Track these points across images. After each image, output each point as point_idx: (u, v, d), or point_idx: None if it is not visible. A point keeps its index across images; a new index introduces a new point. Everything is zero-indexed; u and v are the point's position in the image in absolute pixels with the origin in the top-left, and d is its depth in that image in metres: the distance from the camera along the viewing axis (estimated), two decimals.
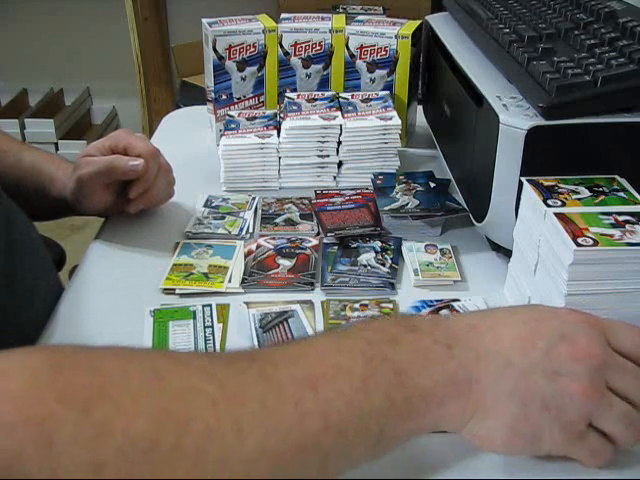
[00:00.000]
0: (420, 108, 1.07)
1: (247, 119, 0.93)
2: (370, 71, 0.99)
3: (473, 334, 0.45)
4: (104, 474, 0.32)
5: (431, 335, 0.44)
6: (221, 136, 0.91)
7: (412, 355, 0.43)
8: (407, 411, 0.42)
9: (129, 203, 0.79)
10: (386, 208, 0.79)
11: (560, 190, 0.63)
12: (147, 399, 0.35)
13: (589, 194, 0.62)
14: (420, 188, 0.84)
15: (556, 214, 0.58)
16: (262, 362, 0.40)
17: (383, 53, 0.97)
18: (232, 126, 0.92)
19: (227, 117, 0.94)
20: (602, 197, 0.62)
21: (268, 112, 0.96)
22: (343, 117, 0.89)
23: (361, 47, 0.98)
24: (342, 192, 0.88)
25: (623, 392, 0.45)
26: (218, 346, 0.62)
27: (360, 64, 0.99)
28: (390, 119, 0.89)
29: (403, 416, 0.42)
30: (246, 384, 0.38)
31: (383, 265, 0.73)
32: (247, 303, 0.68)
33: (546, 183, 0.64)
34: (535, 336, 0.45)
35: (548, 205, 0.60)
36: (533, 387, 0.44)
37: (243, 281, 0.71)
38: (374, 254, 0.75)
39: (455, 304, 0.68)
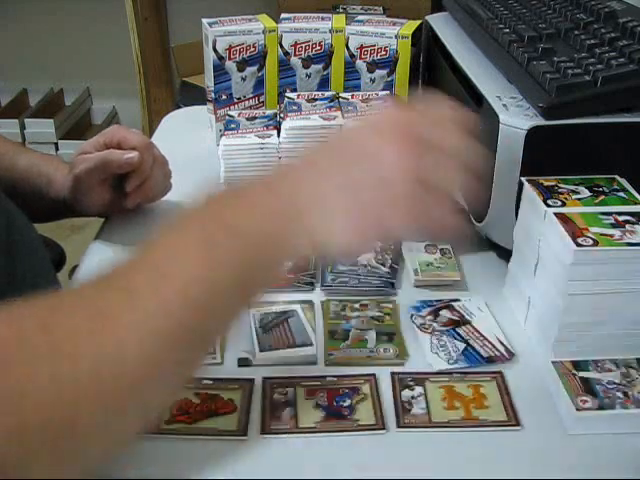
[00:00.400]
0: None
1: (247, 119, 0.93)
2: (370, 71, 0.99)
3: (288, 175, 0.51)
4: None
5: (258, 189, 0.49)
6: (221, 136, 0.91)
7: (239, 209, 0.47)
8: (258, 251, 0.46)
9: (127, 197, 0.79)
10: None
11: (560, 190, 0.63)
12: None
13: (589, 194, 0.62)
14: None
15: (556, 214, 0.59)
16: (111, 280, 0.43)
17: (383, 53, 0.97)
18: (232, 126, 0.91)
19: (227, 117, 0.94)
20: (602, 197, 0.62)
21: (268, 112, 0.96)
22: (343, 117, 0.89)
23: (361, 47, 0.98)
24: None
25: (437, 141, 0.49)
26: (218, 346, 0.63)
27: (360, 64, 0.99)
28: None
29: (258, 257, 0.47)
30: (112, 300, 0.41)
31: (383, 265, 0.73)
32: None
33: (546, 183, 0.64)
34: (342, 148, 0.51)
35: (548, 205, 0.60)
36: (356, 177, 0.48)
37: None
38: (374, 254, 0.75)
39: (455, 304, 0.68)
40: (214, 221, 0.46)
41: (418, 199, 0.48)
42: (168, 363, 0.42)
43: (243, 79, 0.99)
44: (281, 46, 0.99)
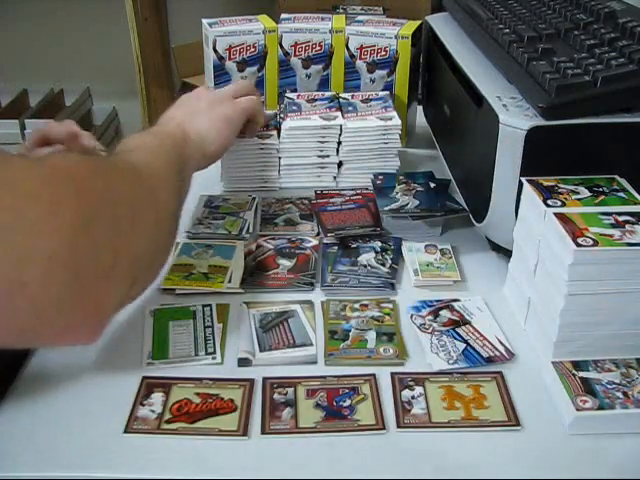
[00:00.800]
0: (420, 108, 1.07)
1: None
2: (370, 71, 0.99)
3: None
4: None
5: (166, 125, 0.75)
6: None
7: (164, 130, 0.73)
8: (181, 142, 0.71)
9: None
10: (386, 208, 0.79)
11: (560, 190, 0.63)
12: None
13: (589, 194, 0.62)
14: (420, 188, 0.84)
15: (556, 214, 0.59)
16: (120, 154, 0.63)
17: (383, 53, 0.97)
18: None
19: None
20: (602, 197, 0.62)
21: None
22: (343, 117, 0.89)
23: (361, 47, 0.98)
24: (342, 192, 0.88)
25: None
26: (218, 346, 0.63)
27: (360, 64, 0.99)
28: (390, 119, 0.89)
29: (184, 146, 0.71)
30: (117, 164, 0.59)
31: (383, 265, 0.73)
32: (247, 303, 0.68)
33: (546, 183, 0.64)
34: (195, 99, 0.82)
35: (548, 205, 0.60)
36: (213, 109, 0.79)
37: (243, 281, 0.71)
38: (374, 254, 0.75)
39: (455, 304, 0.68)
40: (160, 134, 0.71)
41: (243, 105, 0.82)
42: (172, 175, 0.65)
43: (243, 79, 0.99)
44: (281, 46, 0.99)
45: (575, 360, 0.58)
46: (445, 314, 0.67)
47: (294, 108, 0.92)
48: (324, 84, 1.01)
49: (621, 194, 0.62)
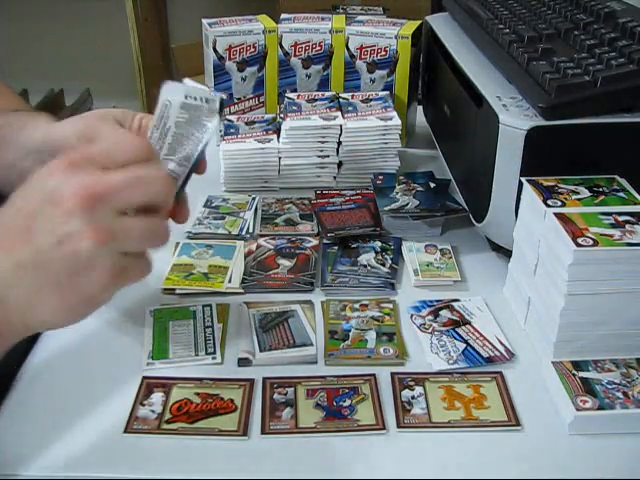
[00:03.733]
0: (420, 108, 1.07)
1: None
2: (370, 71, 0.99)
3: None
4: None
5: None
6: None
7: None
8: None
9: None
10: (386, 208, 0.79)
11: (560, 190, 0.63)
12: None
13: (589, 194, 0.62)
14: (420, 188, 0.84)
15: (556, 214, 0.59)
16: None
17: (383, 53, 0.97)
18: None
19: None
20: (602, 197, 0.62)
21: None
22: (343, 117, 0.89)
23: (361, 47, 0.98)
24: (342, 192, 0.88)
25: (128, 208, 0.46)
26: (218, 346, 0.63)
27: (360, 64, 0.99)
28: (390, 119, 0.89)
29: None
30: None
31: (383, 265, 0.73)
32: (247, 303, 0.68)
33: (546, 183, 0.64)
34: (24, 219, 0.44)
35: (548, 205, 0.60)
36: (53, 267, 0.44)
37: (243, 281, 0.71)
38: (374, 254, 0.75)
39: (455, 304, 0.68)
40: None
41: (112, 263, 0.45)
42: None
43: (243, 79, 0.99)
44: (281, 46, 0.99)
45: (575, 360, 0.58)
46: (445, 314, 0.67)
47: (294, 108, 0.92)
48: (324, 84, 1.01)
49: (621, 194, 0.62)
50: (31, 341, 0.63)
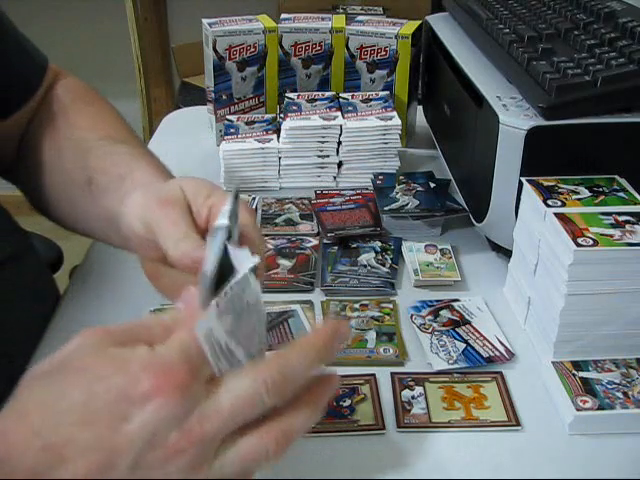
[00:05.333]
0: (420, 108, 1.06)
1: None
2: (370, 71, 0.99)
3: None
4: None
5: None
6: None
7: None
8: None
9: None
10: (386, 208, 0.79)
11: (560, 190, 0.63)
12: None
13: (589, 194, 0.62)
14: (420, 188, 0.84)
15: (556, 214, 0.59)
16: None
17: (383, 53, 0.97)
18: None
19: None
20: (602, 197, 0.62)
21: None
22: (343, 117, 0.89)
23: (361, 47, 0.98)
24: (342, 192, 0.88)
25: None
26: None
27: (360, 64, 0.99)
28: (390, 119, 0.89)
29: None
30: None
31: (383, 265, 0.73)
32: None
33: (546, 183, 0.64)
34: (110, 460, 0.34)
35: (548, 205, 0.60)
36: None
37: None
38: (374, 254, 0.75)
39: (455, 304, 0.68)
40: None
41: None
42: None
43: (243, 79, 0.99)
44: (281, 46, 0.99)
45: (575, 360, 0.58)
46: (445, 314, 0.67)
47: (294, 108, 0.92)
48: (324, 84, 1.01)
49: (621, 194, 0.62)
50: (34, 343, 0.63)
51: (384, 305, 0.68)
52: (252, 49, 0.98)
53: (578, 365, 0.58)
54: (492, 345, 0.62)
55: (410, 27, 0.98)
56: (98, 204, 0.60)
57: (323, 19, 1.02)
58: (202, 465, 0.36)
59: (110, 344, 0.37)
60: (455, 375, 0.59)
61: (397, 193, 0.83)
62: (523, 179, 0.64)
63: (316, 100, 0.94)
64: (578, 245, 0.54)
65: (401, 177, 0.87)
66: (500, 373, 0.59)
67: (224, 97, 0.99)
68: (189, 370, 0.36)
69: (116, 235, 0.56)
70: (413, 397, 0.57)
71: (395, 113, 0.90)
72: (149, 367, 0.35)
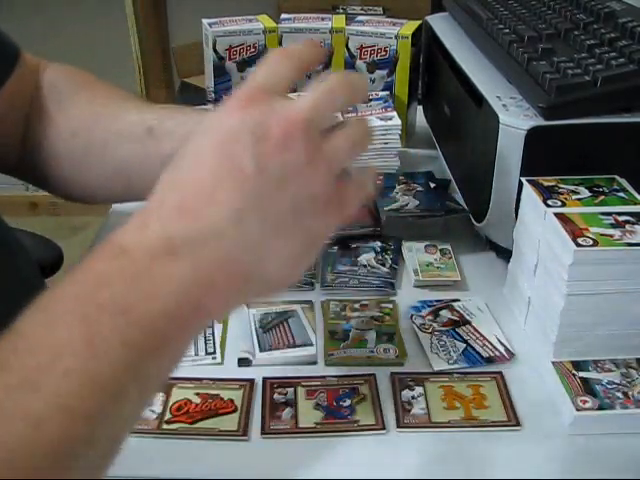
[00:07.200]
0: (420, 108, 1.06)
1: None
2: (370, 71, 0.99)
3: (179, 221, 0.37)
4: None
5: (143, 248, 0.37)
6: None
7: (128, 284, 0.35)
8: (160, 341, 0.35)
9: None
10: (386, 208, 0.79)
11: (560, 190, 0.63)
12: None
13: (589, 194, 0.62)
14: (420, 188, 0.84)
15: (556, 214, 0.59)
16: None
17: (383, 53, 0.97)
18: None
19: None
20: (602, 197, 0.62)
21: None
22: (343, 117, 0.89)
23: (361, 47, 0.98)
24: None
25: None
26: (218, 346, 0.63)
27: (360, 64, 0.99)
28: (390, 119, 0.89)
29: (158, 347, 0.35)
30: None
31: (383, 265, 0.73)
32: (247, 303, 0.68)
33: (546, 183, 0.64)
34: (224, 166, 0.38)
35: (548, 205, 0.60)
36: (276, 209, 0.38)
37: None
38: (374, 254, 0.75)
39: (455, 304, 0.68)
40: (103, 313, 0.35)
41: (333, 192, 0.41)
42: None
43: (243, 79, 0.99)
44: (281, 46, 0.99)
45: (575, 360, 0.58)
46: (445, 314, 0.67)
47: None
48: None
49: (621, 194, 0.62)
50: None
51: (384, 305, 0.68)
52: (252, 49, 0.98)
53: (578, 365, 0.58)
54: (492, 345, 0.62)
55: (410, 27, 0.98)
56: (165, 146, 0.62)
57: (323, 19, 1.02)
58: (316, 147, 0.39)
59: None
60: (455, 375, 0.59)
61: (397, 193, 0.83)
62: (523, 179, 0.64)
63: None
64: (578, 245, 0.54)
65: (401, 177, 0.87)
66: (500, 373, 0.59)
67: (224, 97, 0.99)
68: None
69: None
70: (413, 397, 0.57)
71: (395, 113, 0.90)
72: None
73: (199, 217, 0.37)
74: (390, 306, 0.68)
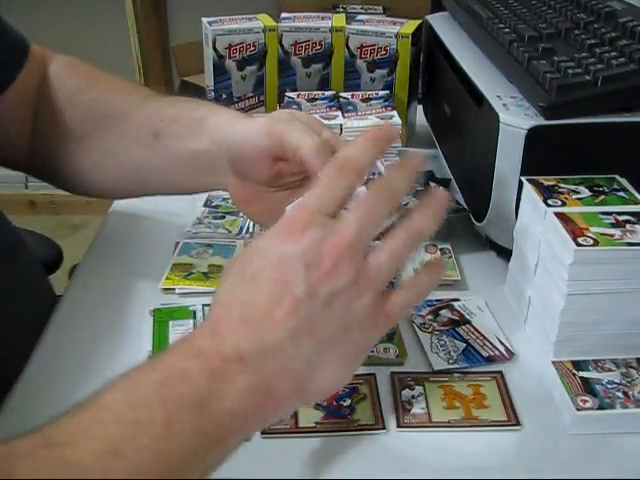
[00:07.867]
0: (420, 108, 1.06)
1: None
2: (370, 71, 0.99)
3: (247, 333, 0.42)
4: None
5: (218, 354, 0.41)
6: None
7: (206, 383, 0.40)
8: (223, 434, 0.41)
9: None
10: None
11: (560, 190, 0.63)
12: None
13: (589, 194, 0.62)
14: (420, 188, 0.83)
15: (556, 214, 0.58)
16: (59, 447, 0.38)
17: (383, 53, 0.97)
18: None
19: None
20: (602, 197, 0.62)
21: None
22: (343, 117, 0.89)
23: (361, 46, 0.98)
24: None
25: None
26: None
27: (360, 64, 0.99)
28: (390, 119, 0.89)
29: (221, 439, 0.41)
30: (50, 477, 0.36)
31: None
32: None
33: (546, 183, 0.64)
34: (278, 291, 0.42)
35: (548, 205, 0.60)
36: (328, 329, 0.43)
37: None
38: None
39: (455, 304, 0.68)
40: (182, 402, 0.40)
41: (379, 307, 0.45)
42: None
43: (243, 78, 0.99)
44: (281, 45, 0.99)
45: (575, 360, 0.58)
46: (445, 314, 0.67)
47: (294, 107, 0.92)
48: (324, 83, 1.01)
49: (621, 194, 0.62)
50: (30, 343, 0.63)
51: None
52: (252, 48, 0.98)
53: (578, 365, 0.58)
54: (492, 345, 0.62)
55: (410, 26, 0.98)
56: (173, 152, 0.64)
57: (323, 18, 1.02)
58: (360, 270, 0.43)
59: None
60: (455, 375, 0.59)
61: None
62: (523, 178, 0.64)
63: (316, 99, 0.94)
64: (578, 245, 0.54)
65: None
66: (500, 373, 0.59)
67: (224, 96, 0.99)
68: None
69: (204, 173, 0.63)
70: (413, 397, 0.57)
71: (395, 112, 0.90)
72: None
73: (263, 332, 0.41)
74: None
